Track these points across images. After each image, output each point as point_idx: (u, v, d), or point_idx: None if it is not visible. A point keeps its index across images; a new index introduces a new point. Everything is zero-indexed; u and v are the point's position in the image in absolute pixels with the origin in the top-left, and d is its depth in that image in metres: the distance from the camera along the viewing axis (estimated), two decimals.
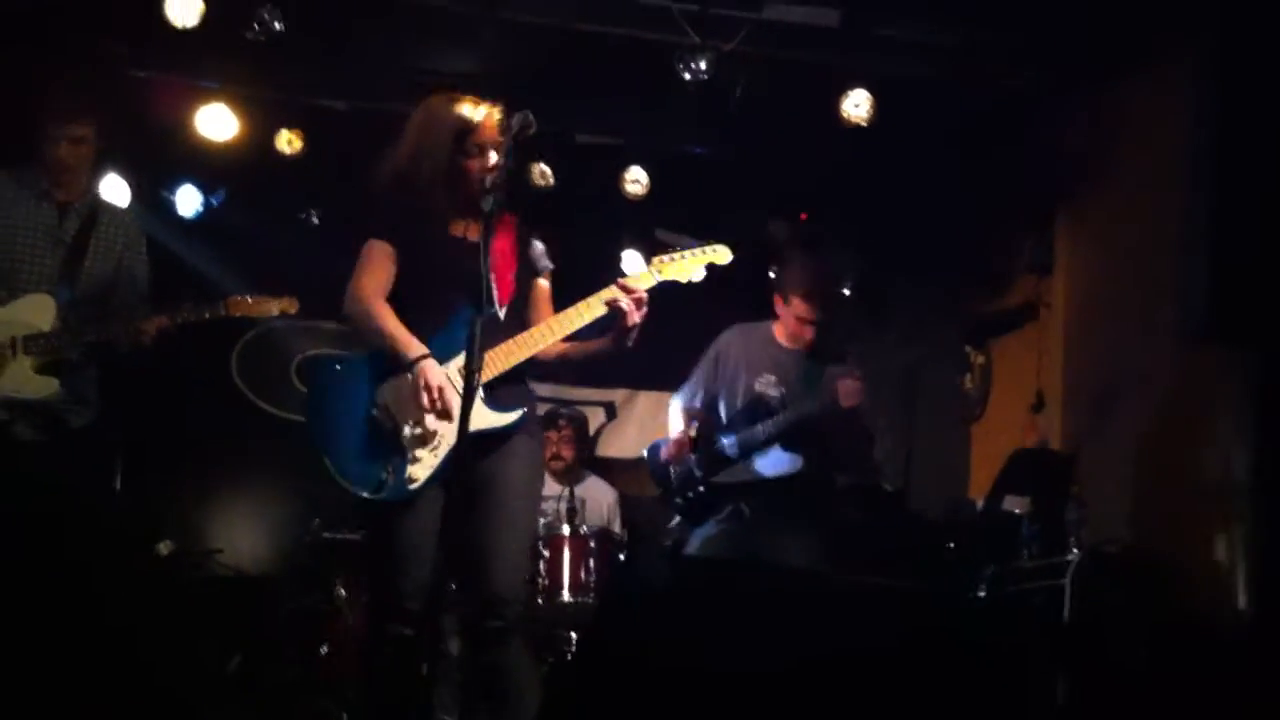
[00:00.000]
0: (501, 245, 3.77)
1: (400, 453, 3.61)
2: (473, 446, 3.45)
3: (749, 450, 5.19)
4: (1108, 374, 5.80)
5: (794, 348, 5.30)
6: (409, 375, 3.61)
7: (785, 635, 3.07)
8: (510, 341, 3.68)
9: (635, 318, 3.68)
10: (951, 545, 5.78)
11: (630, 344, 3.75)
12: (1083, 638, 4.45)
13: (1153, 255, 5.47)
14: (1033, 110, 6.27)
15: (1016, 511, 5.42)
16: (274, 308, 4.53)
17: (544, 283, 3.91)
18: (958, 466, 7.29)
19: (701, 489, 5.27)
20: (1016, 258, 6.82)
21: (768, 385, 5.23)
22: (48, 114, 4.45)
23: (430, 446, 3.62)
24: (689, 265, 3.88)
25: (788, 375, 5.23)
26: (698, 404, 5.42)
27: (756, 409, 5.22)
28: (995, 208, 6.80)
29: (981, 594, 5.08)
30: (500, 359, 3.65)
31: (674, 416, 5.44)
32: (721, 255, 3.96)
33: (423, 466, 3.61)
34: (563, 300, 3.86)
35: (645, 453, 5.62)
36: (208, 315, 4.44)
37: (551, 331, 3.71)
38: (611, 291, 3.70)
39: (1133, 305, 5.68)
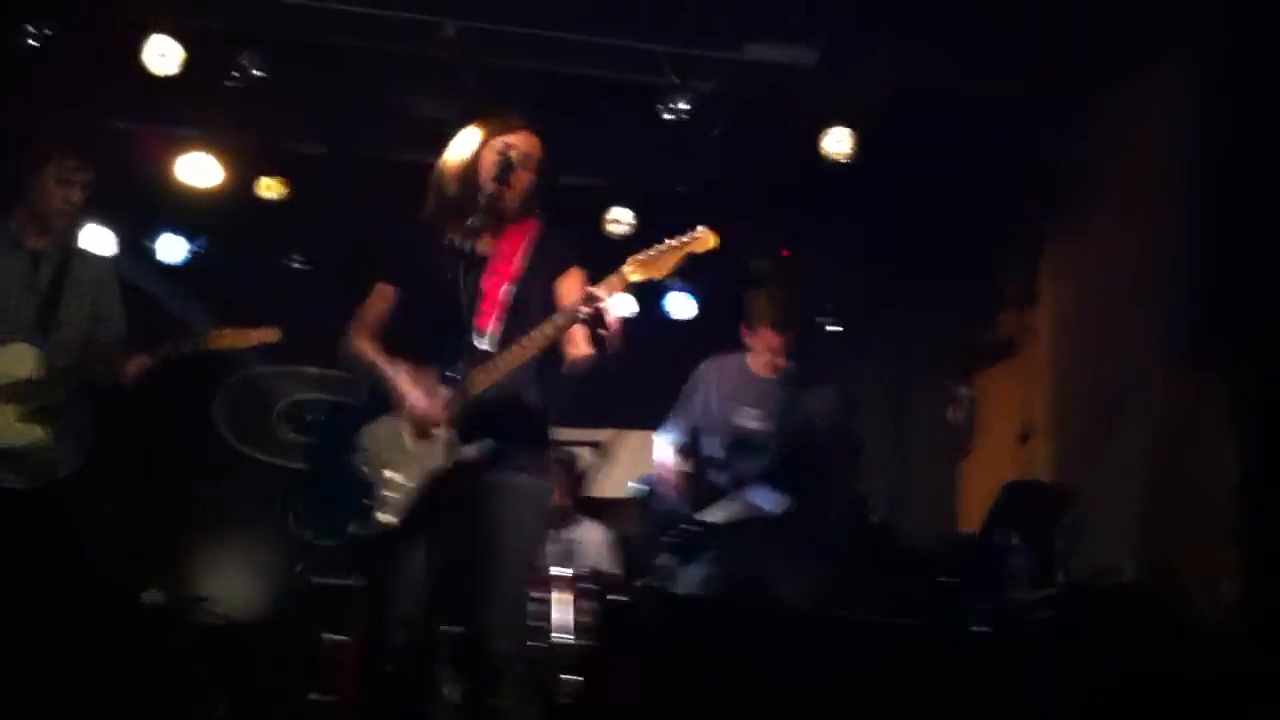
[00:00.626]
0: (504, 254, 3.74)
1: (371, 496, 3.58)
2: (457, 482, 3.44)
3: (739, 485, 5.18)
4: (1097, 400, 5.81)
5: (770, 376, 5.29)
6: (385, 417, 3.62)
7: (785, 672, 3.06)
8: (494, 358, 3.57)
9: (601, 327, 3.50)
10: (942, 578, 5.76)
11: (607, 352, 3.56)
12: (1075, 667, 4.43)
13: (1138, 277, 5.49)
14: (1014, 140, 6.30)
15: (1006, 544, 5.40)
16: (254, 338, 4.49)
17: (567, 284, 3.74)
18: (946, 499, 7.29)
19: (688, 526, 5.23)
20: (1000, 290, 6.85)
21: (749, 418, 5.22)
22: (48, 158, 4.42)
23: (398, 489, 3.58)
24: (666, 259, 3.60)
25: (768, 406, 5.21)
26: (683, 438, 5.40)
27: (743, 446, 5.21)
28: (977, 240, 6.83)
29: (975, 627, 5.06)
30: (480, 381, 3.55)
31: (661, 452, 5.41)
32: (703, 242, 3.62)
33: (391, 508, 3.57)
34: None
35: (637, 486, 5.55)
36: (187, 350, 4.41)
37: (523, 349, 3.57)
38: (574, 303, 3.54)
39: (1119, 329, 5.69)
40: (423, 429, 3.57)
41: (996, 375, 6.97)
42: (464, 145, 3.82)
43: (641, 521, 5.62)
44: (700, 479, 5.25)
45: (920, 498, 7.45)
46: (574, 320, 3.54)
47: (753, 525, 5.15)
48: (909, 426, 7.65)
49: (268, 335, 4.51)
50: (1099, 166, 5.91)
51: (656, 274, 3.62)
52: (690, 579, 5.19)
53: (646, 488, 5.44)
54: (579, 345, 3.66)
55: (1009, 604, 5.03)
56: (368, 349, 3.74)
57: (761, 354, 5.27)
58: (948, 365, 7.38)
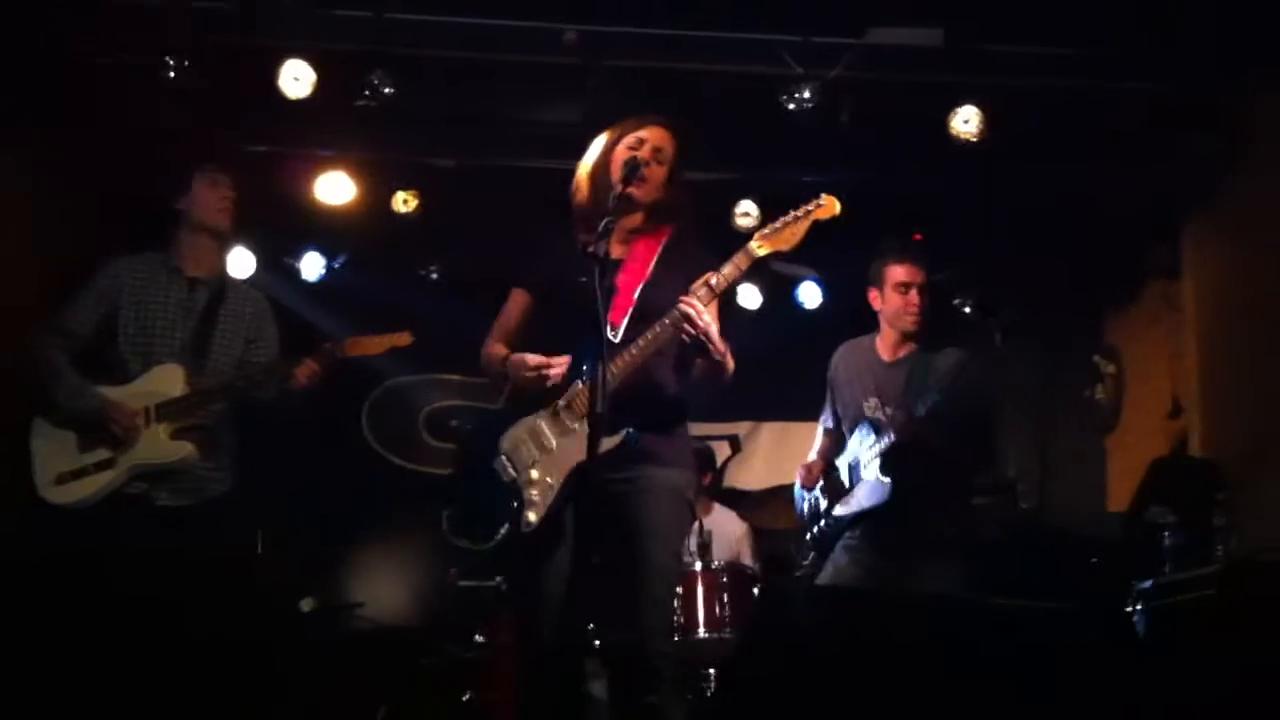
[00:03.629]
0: (638, 257, 3.78)
1: (517, 498, 3.64)
2: (600, 477, 3.46)
3: (855, 477, 5.06)
4: (1247, 374, 5.63)
5: (892, 360, 5.13)
6: (525, 419, 3.69)
7: (930, 664, 3.03)
8: (614, 360, 3.57)
9: (691, 334, 3.52)
10: (1094, 561, 5.64)
11: (715, 358, 3.58)
12: (1234, 647, 4.30)
13: None
14: (1153, 116, 6.13)
15: (1160, 522, 5.26)
16: (389, 342, 4.62)
17: (702, 291, 3.64)
18: (1095, 480, 7.14)
19: (824, 522, 5.17)
20: (1143, 263, 6.69)
21: (875, 409, 5.08)
22: (196, 171, 4.63)
23: (542, 487, 3.62)
24: (793, 230, 3.61)
25: (891, 395, 5.04)
26: (829, 426, 5.33)
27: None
28: (1118, 216, 6.67)
29: (1132, 609, 4.94)
30: (608, 382, 3.53)
31: (819, 440, 5.38)
32: (827, 207, 3.63)
33: (536, 509, 3.62)
34: None
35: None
36: (330, 359, 4.54)
37: (640, 350, 3.59)
38: (675, 309, 3.56)
39: (1267, 302, 5.51)
40: (546, 370, 3.60)
41: (1142, 350, 6.81)
42: (596, 148, 3.87)
43: (781, 516, 5.58)
44: (832, 471, 5.16)
45: (1068, 477, 7.31)
46: (671, 330, 3.57)
47: (870, 516, 5.01)
48: (1054, 406, 7.50)
49: (401, 339, 4.63)
50: (1246, 142, 5.72)
51: (785, 246, 3.63)
52: (829, 571, 5.11)
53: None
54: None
55: (1166, 583, 4.91)
56: (495, 349, 3.84)
57: (890, 314, 5.11)
58: (1092, 342, 7.24)
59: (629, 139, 3.80)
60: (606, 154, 3.83)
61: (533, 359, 3.65)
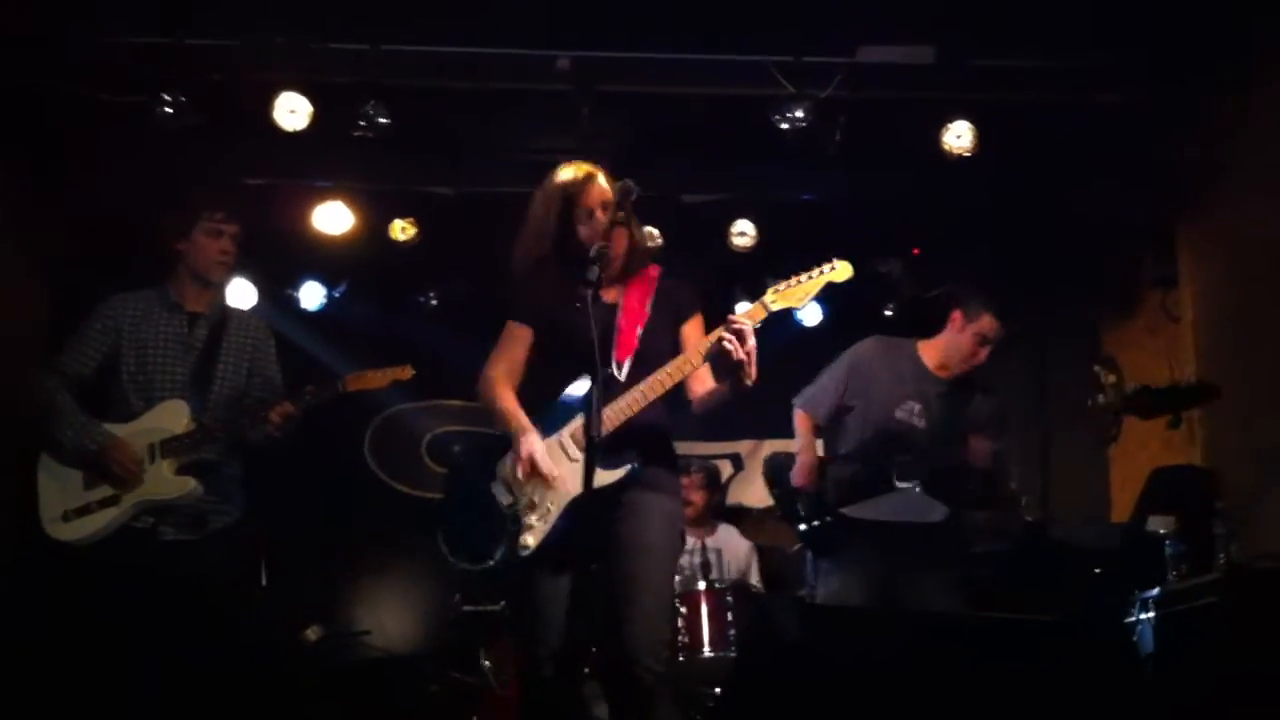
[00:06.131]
0: (633, 301, 3.87)
1: (515, 522, 3.69)
2: (591, 506, 3.53)
3: (884, 484, 4.98)
4: (1246, 382, 5.64)
5: (942, 375, 5.11)
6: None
7: (933, 680, 3.04)
8: (623, 398, 3.70)
9: (740, 354, 3.59)
10: (1098, 571, 5.64)
11: (747, 381, 3.66)
12: (1236, 655, 4.31)
13: None
14: (1141, 124, 6.16)
15: (1161, 531, 5.26)
16: (391, 376, 4.65)
17: (690, 328, 3.92)
18: (1098, 490, 7.14)
19: (829, 519, 5.08)
20: (1140, 273, 6.71)
21: (911, 414, 5.04)
22: (196, 216, 4.64)
23: (541, 513, 3.68)
24: (805, 289, 3.78)
25: (932, 407, 5.04)
26: (824, 413, 5.26)
27: (896, 439, 5.03)
28: (1111, 225, 6.69)
29: (1135, 617, 4.95)
30: (614, 416, 3.67)
31: (799, 427, 5.30)
32: (840, 272, 3.82)
33: (534, 533, 3.67)
34: None
35: (764, 464, 5.46)
36: (328, 396, 4.57)
37: (661, 384, 3.70)
38: (717, 332, 3.66)
39: (1266, 309, 5.52)
40: (531, 471, 3.67)
41: (1141, 360, 6.82)
42: (547, 209, 3.89)
43: (777, 505, 5.50)
44: (845, 466, 5.11)
45: (1070, 488, 7.31)
46: (712, 352, 3.66)
47: (903, 529, 4.97)
48: (1054, 416, 7.51)
49: (401, 373, 4.66)
50: (1234, 145, 5.74)
51: (796, 303, 3.79)
52: (830, 585, 5.06)
53: (782, 469, 5.27)
54: (705, 381, 3.79)
55: (1168, 592, 4.91)
56: (506, 399, 3.87)
57: (960, 342, 5.11)
58: (1091, 351, 7.25)
59: (579, 212, 3.84)
60: (559, 215, 3.86)
61: (543, 465, 3.67)
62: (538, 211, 3.92)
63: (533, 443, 3.70)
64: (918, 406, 5.06)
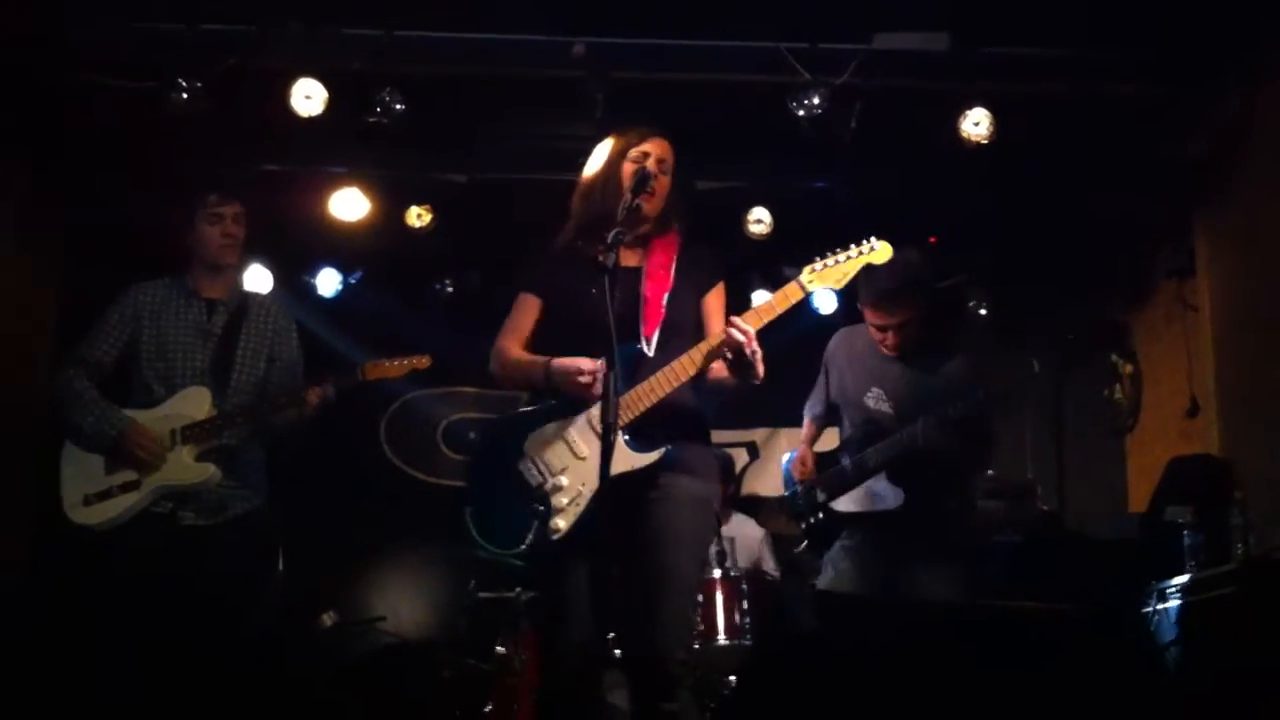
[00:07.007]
0: (656, 266, 3.79)
1: (544, 503, 3.62)
2: (623, 490, 3.45)
3: (862, 476, 4.93)
4: (1264, 371, 5.62)
5: (891, 355, 4.97)
6: (552, 423, 3.67)
7: (946, 671, 3.03)
8: (651, 379, 3.61)
9: (746, 352, 3.54)
10: (1114, 561, 5.63)
11: (754, 378, 3.62)
12: (1256, 646, 4.29)
13: None
14: (1159, 114, 6.13)
15: (1178, 521, 5.24)
16: (409, 366, 4.65)
17: (713, 298, 3.84)
18: (1115, 480, 7.13)
19: (823, 514, 5.04)
20: (1158, 263, 6.68)
21: (879, 400, 4.95)
22: (195, 204, 4.65)
23: (572, 496, 3.61)
24: (844, 270, 3.68)
25: (895, 388, 4.92)
26: (820, 411, 5.23)
27: (872, 429, 4.95)
28: (1129, 215, 6.67)
29: (1152, 608, 4.93)
30: (641, 398, 3.60)
31: (805, 427, 5.28)
32: (881, 253, 3.72)
33: (566, 515, 3.60)
34: None
35: (782, 467, 5.43)
36: (348, 384, 4.57)
37: (682, 371, 3.62)
38: (725, 330, 3.59)
39: None
40: (593, 378, 3.56)
41: (1159, 350, 6.79)
42: (601, 160, 3.88)
43: (781, 506, 5.48)
44: (835, 461, 5.05)
45: (1087, 478, 7.29)
46: (719, 355, 3.61)
47: (875, 519, 4.91)
48: (1070, 407, 7.49)
49: (419, 362, 4.66)
50: (1252, 136, 5.70)
51: (834, 284, 3.70)
52: (827, 574, 5.00)
53: (790, 469, 5.21)
54: (720, 368, 3.70)
55: (1186, 582, 4.90)
56: (521, 354, 3.80)
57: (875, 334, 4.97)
58: (1107, 340, 7.23)
59: (634, 152, 3.83)
60: (612, 165, 3.84)
61: (586, 365, 3.59)
62: (606, 184, 3.81)
63: (574, 361, 3.60)
64: (880, 391, 4.97)
